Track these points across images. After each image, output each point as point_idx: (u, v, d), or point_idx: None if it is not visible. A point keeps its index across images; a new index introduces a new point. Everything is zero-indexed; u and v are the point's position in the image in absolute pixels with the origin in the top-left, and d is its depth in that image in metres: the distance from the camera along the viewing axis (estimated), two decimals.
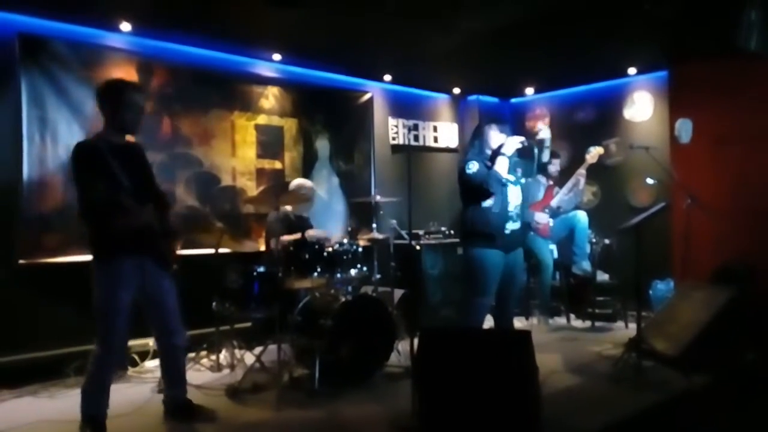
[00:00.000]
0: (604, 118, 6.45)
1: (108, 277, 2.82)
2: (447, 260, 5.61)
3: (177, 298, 3.09)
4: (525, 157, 3.73)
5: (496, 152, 3.63)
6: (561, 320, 5.71)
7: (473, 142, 3.79)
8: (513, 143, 3.61)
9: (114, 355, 2.92)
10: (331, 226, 5.73)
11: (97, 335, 2.85)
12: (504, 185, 3.58)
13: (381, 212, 5.39)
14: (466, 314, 3.72)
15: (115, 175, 2.76)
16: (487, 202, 3.57)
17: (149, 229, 2.87)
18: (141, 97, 2.98)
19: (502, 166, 3.58)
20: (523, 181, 3.76)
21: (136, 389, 3.69)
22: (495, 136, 3.69)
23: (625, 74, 6.11)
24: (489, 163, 3.63)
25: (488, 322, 3.95)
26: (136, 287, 2.89)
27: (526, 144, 3.66)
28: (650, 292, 5.53)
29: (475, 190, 3.58)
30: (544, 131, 3.53)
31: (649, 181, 5.61)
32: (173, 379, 3.16)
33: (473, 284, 3.65)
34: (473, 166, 3.57)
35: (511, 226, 3.63)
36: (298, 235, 4.32)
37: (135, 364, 4.12)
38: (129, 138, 3.04)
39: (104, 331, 2.83)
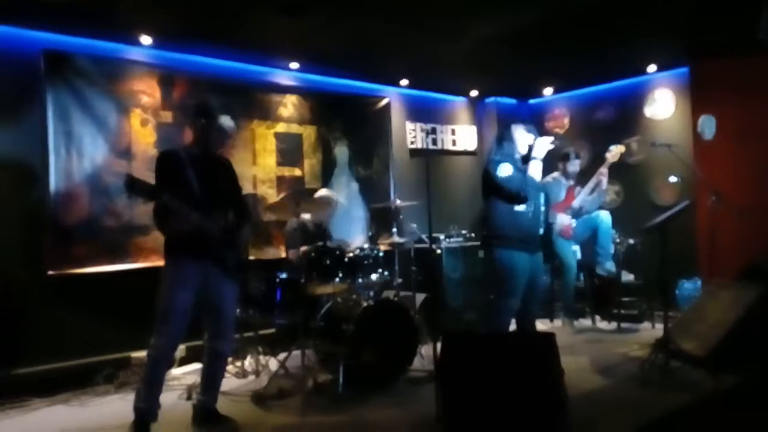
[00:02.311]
0: (625, 117, 6.37)
1: (171, 275, 2.99)
2: (468, 263, 5.59)
3: (236, 306, 3.23)
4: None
5: (528, 156, 3.61)
6: (586, 322, 5.65)
7: (500, 143, 3.74)
8: (544, 145, 3.60)
9: (168, 350, 3.04)
10: (351, 231, 5.75)
11: (156, 329, 2.97)
12: (539, 191, 3.57)
13: (401, 217, 5.39)
14: (492, 316, 3.71)
15: (186, 181, 2.97)
16: (522, 207, 3.55)
17: (210, 234, 3.02)
18: (230, 123, 3.27)
19: (536, 170, 3.58)
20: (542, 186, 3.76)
21: (163, 396, 3.73)
22: (522, 137, 3.67)
23: (645, 72, 6.04)
24: (522, 167, 3.60)
25: (511, 326, 3.93)
26: (197, 289, 3.02)
27: (557, 143, 3.65)
28: (676, 291, 5.44)
29: (508, 194, 3.55)
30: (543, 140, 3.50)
31: (673, 179, 5.53)
32: (209, 383, 3.23)
33: (501, 286, 3.63)
34: (506, 170, 3.54)
35: (540, 231, 3.63)
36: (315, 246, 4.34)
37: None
38: (218, 153, 3.26)
39: (162, 326, 2.95)
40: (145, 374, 3.04)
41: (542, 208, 3.66)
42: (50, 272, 4.18)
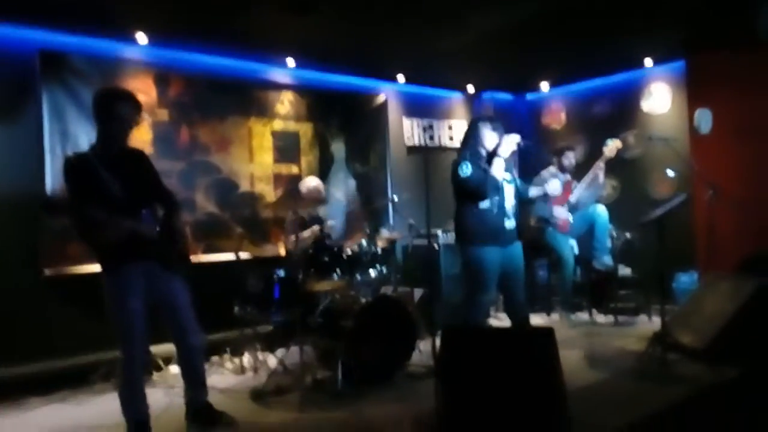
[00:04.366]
0: (622, 111, 6.37)
1: (115, 285, 2.86)
2: (462, 259, 5.58)
3: (189, 298, 3.10)
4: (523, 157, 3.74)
5: (493, 153, 3.62)
6: (583, 316, 5.66)
7: (466, 141, 3.77)
8: (509, 145, 3.60)
9: (137, 359, 2.96)
10: (347, 227, 5.76)
11: (118, 342, 2.90)
12: (499, 189, 3.58)
13: (398, 213, 5.40)
14: (468, 312, 3.75)
15: (104, 185, 2.78)
16: (484, 204, 3.58)
17: (143, 235, 2.88)
18: (130, 108, 2.91)
19: (498, 168, 3.59)
20: (516, 180, 3.75)
21: (160, 393, 3.73)
22: (488, 135, 3.68)
23: (641, 66, 6.03)
24: (485, 166, 3.62)
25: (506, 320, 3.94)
26: (145, 292, 2.91)
27: (522, 144, 3.65)
28: (674, 284, 5.46)
29: (469, 192, 3.59)
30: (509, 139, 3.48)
31: (670, 173, 5.54)
32: (191, 379, 3.18)
33: (473, 282, 3.69)
34: (467, 168, 3.57)
35: (509, 224, 3.65)
36: (315, 229, 4.36)
37: (160, 369, 4.18)
38: (127, 145, 3.01)
39: (122, 338, 2.88)
40: (124, 387, 2.94)
41: (512, 202, 3.67)
42: (46, 271, 4.18)
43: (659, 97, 6.11)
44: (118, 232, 2.79)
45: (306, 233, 4.40)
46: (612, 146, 5.22)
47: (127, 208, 2.83)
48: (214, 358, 4.40)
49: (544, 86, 6.90)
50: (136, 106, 2.94)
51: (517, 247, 3.75)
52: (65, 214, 2.73)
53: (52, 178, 4.22)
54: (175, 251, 3.05)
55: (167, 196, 3.14)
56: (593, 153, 5.96)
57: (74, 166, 2.84)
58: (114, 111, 2.86)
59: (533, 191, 3.95)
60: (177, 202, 3.20)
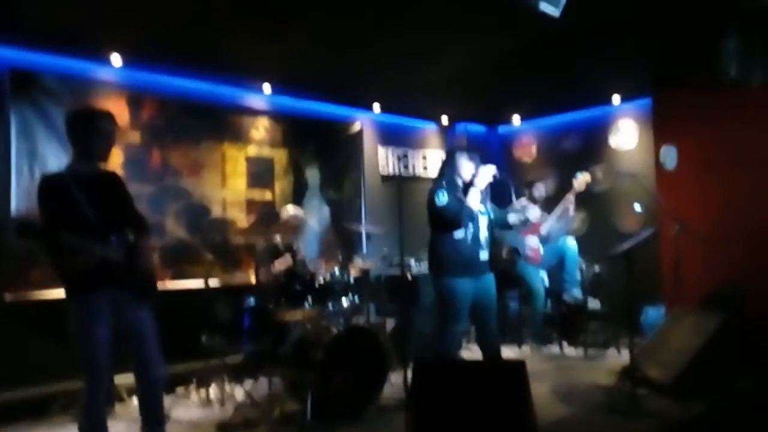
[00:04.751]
0: (590, 146, 6.53)
1: (82, 312, 2.76)
2: (434, 290, 5.57)
3: (155, 328, 2.99)
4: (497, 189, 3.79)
5: (469, 184, 3.66)
6: (554, 348, 5.69)
7: (443, 170, 3.81)
8: (485, 176, 3.65)
9: (101, 389, 2.84)
10: (316, 252, 5.72)
11: (82, 371, 2.79)
12: (474, 219, 3.61)
13: (372, 241, 5.39)
14: (439, 342, 3.74)
15: (77, 208, 2.72)
16: (459, 234, 3.60)
17: (112, 261, 2.80)
18: (111, 125, 2.89)
19: (474, 199, 3.62)
20: (489, 211, 3.79)
21: (122, 426, 3.60)
22: (465, 165, 3.72)
23: (609, 102, 6.21)
24: (461, 196, 3.65)
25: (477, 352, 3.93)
26: (112, 320, 2.81)
27: (498, 177, 3.70)
28: (642, 318, 5.53)
29: (445, 221, 3.61)
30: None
31: (637, 207, 5.66)
32: (150, 415, 3.02)
33: (445, 313, 3.68)
34: (443, 197, 3.59)
35: (483, 255, 3.67)
36: (287, 259, 4.31)
37: (122, 400, 4.03)
38: (102, 167, 2.97)
39: (86, 367, 2.77)
40: (85, 419, 2.81)
41: (486, 234, 3.70)
42: (7, 296, 4.03)
43: (626, 133, 6.28)
44: (90, 258, 2.71)
45: (279, 263, 4.34)
46: (582, 179, 5.32)
47: (98, 232, 2.76)
48: (180, 390, 4.27)
49: (516, 119, 7.04)
50: (115, 125, 2.91)
51: (490, 279, 3.77)
52: (37, 237, 2.64)
53: (17, 198, 4.12)
54: (143, 279, 2.96)
55: (138, 221, 3.06)
56: (563, 186, 6.06)
57: (48, 186, 2.76)
58: (95, 128, 2.81)
59: (512, 217, 3.97)
60: (148, 227, 3.12)
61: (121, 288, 2.84)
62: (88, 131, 2.82)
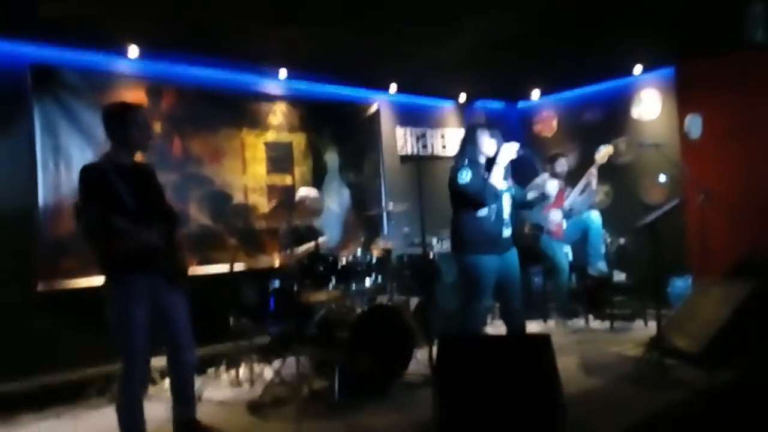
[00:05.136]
0: (612, 118, 6.42)
1: (119, 296, 2.86)
2: (457, 267, 5.58)
3: (188, 313, 3.10)
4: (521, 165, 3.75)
5: (491, 161, 3.62)
6: (579, 322, 5.67)
7: (464, 147, 3.75)
8: (508, 153, 3.60)
9: (138, 371, 2.95)
10: (340, 236, 5.76)
11: (119, 354, 2.88)
12: (498, 197, 3.58)
13: (393, 222, 5.40)
14: (465, 319, 3.74)
15: (119, 196, 2.81)
16: (482, 212, 3.57)
17: (155, 247, 2.89)
18: (146, 117, 3.03)
19: (497, 177, 3.57)
20: (512, 188, 3.76)
21: (157, 407, 3.69)
22: (486, 142, 3.67)
23: (631, 73, 6.09)
24: (484, 173, 3.61)
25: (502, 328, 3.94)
26: (147, 305, 2.91)
27: (521, 153, 3.65)
28: (668, 289, 5.47)
29: (468, 199, 3.58)
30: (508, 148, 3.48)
31: (662, 178, 5.57)
32: (181, 396, 3.14)
33: (469, 290, 3.68)
34: (466, 175, 3.55)
35: (506, 233, 3.65)
36: (310, 245, 4.35)
37: (155, 383, 4.14)
38: (138, 159, 3.09)
39: (124, 350, 2.87)
40: (122, 401, 2.91)
41: (508, 210, 3.68)
42: (40, 285, 4.15)
43: (649, 104, 6.16)
44: (135, 243, 2.81)
45: (302, 248, 4.39)
46: (604, 152, 5.25)
47: (138, 219, 2.85)
48: (210, 371, 4.37)
49: (535, 94, 6.95)
50: (149, 116, 3.08)
51: (513, 255, 3.75)
52: (95, 222, 2.73)
53: (44, 192, 4.21)
54: (177, 265, 3.07)
55: (170, 211, 3.18)
56: (585, 160, 6.00)
57: (91, 175, 2.85)
58: (133, 118, 2.92)
59: (531, 194, 3.94)
60: (179, 218, 3.25)
61: (157, 273, 2.94)
62: (127, 124, 2.92)
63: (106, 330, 2.88)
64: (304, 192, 4.79)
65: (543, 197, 4.05)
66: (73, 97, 4.37)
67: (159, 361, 3.90)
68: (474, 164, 3.64)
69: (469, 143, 3.73)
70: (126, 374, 2.89)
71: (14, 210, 4.13)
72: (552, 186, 3.98)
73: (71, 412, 3.82)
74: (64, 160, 4.31)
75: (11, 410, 3.75)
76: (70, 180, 4.31)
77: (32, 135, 4.19)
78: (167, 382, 4.06)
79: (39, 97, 4.23)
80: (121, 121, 2.92)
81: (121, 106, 3.03)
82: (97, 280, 4.27)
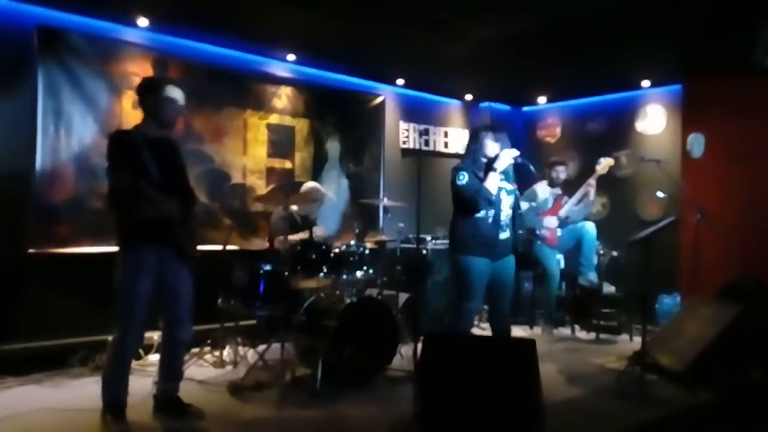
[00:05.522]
0: (616, 130, 6.42)
1: (129, 264, 2.92)
2: (450, 266, 5.59)
3: (192, 292, 3.14)
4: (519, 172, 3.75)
5: (489, 166, 3.62)
6: (565, 331, 5.69)
7: (469, 147, 3.78)
8: (506, 158, 3.59)
9: (132, 340, 3.00)
10: (337, 227, 5.75)
11: (117, 320, 2.92)
12: (492, 202, 3.58)
13: (389, 215, 5.40)
14: (454, 319, 3.76)
15: (144, 165, 2.87)
16: (480, 213, 3.58)
17: (171, 219, 2.96)
18: (179, 94, 3.08)
19: (492, 182, 3.57)
20: (516, 191, 3.76)
21: (138, 382, 3.68)
22: (490, 145, 3.67)
23: (638, 87, 6.09)
24: (481, 175, 3.61)
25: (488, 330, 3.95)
26: (155, 275, 2.96)
27: (519, 160, 3.65)
28: (656, 305, 5.50)
29: (463, 201, 3.60)
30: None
31: (660, 194, 5.58)
32: (169, 372, 3.17)
33: (460, 290, 3.69)
34: (463, 178, 3.58)
35: (503, 236, 3.65)
36: (304, 235, 4.35)
37: (138, 357, 4.14)
38: (166, 133, 3.14)
39: (123, 317, 2.91)
40: (111, 366, 2.96)
41: (507, 213, 3.68)
42: (31, 250, 4.12)
43: (654, 119, 6.16)
44: (156, 210, 2.87)
45: (296, 237, 4.38)
46: (605, 164, 5.26)
47: (161, 190, 2.91)
48: (194, 350, 4.36)
49: (541, 100, 6.94)
50: (182, 93, 3.09)
51: (509, 261, 3.74)
52: (122, 182, 2.80)
53: (42, 156, 4.18)
54: (189, 241, 3.10)
55: (189, 189, 3.22)
56: (585, 169, 6.01)
57: (120, 140, 2.92)
58: (165, 94, 2.99)
59: (523, 205, 3.95)
60: (196, 197, 3.30)
61: (170, 246, 2.99)
62: (159, 99, 2.99)
63: (94, 299, 2.90)
64: (313, 186, 4.84)
65: (533, 209, 4.03)
66: (78, 61, 4.33)
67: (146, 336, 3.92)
68: (476, 166, 3.65)
69: (473, 144, 3.75)
70: (120, 341, 2.94)
71: (11, 172, 4.10)
72: (542, 190, 3.98)
73: (52, 380, 3.82)
74: (64, 125, 4.27)
75: None
76: (69, 146, 4.29)
77: (34, 97, 4.14)
78: (150, 357, 4.09)
79: (44, 59, 4.18)
80: (154, 95, 2.99)
81: (157, 80, 3.12)
82: (90, 249, 4.31)
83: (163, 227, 2.93)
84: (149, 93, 3.01)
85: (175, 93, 3.05)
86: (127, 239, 2.94)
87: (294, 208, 4.67)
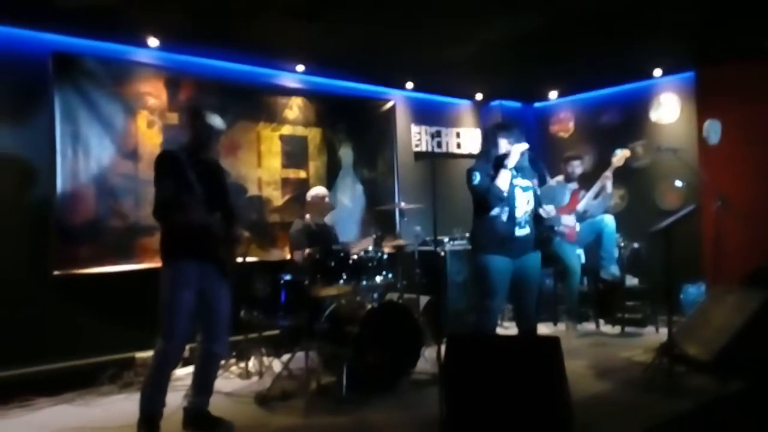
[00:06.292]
0: (630, 121, 6.36)
1: (172, 277, 3.01)
2: (471, 266, 5.58)
3: (230, 308, 3.24)
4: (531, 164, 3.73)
5: (499, 164, 3.60)
6: (590, 326, 5.64)
7: (483, 148, 3.80)
8: (515, 155, 3.56)
9: (174, 352, 3.06)
10: (355, 233, 5.77)
11: (161, 332, 3.00)
12: (502, 200, 3.56)
13: (405, 219, 5.40)
14: (477, 319, 3.76)
15: (189, 182, 2.98)
16: (494, 211, 3.58)
17: (213, 235, 3.07)
18: (219, 121, 3.22)
19: (503, 180, 3.54)
20: (536, 186, 3.74)
21: (171, 395, 3.74)
22: (504, 145, 3.65)
23: (650, 76, 6.03)
24: (492, 173, 3.60)
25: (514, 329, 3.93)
26: (196, 289, 3.04)
27: (527, 154, 3.63)
28: (681, 296, 5.43)
29: (477, 200, 3.63)
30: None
31: (678, 183, 5.52)
32: (202, 386, 3.22)
33: (481, 289, 3.68)
34: (476, 178, 3.58)
35: (520, 232, 3.61)
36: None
37: None
38: (210, 155, 3.29)
39: (167, 329, 2.99)
40: (151, 377, 3.05)
41: (524, 210, 3.65)
42: (55, 272, 4.20)
43: (668, 108, 6.09)
44: (200, 222, 3.00)
45: (312, 250, 4.39)
46: (620, 156, 5.21)
47: (206, 207, 3.03)
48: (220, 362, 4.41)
49: (553, 95, 6.91)
50: (221, 123, 3.25)
51: (532, 258, 3.70)
52: (168, 190, 2.92)
53: (63, 180, 4.26)
54: (231, 259, 3.23)
55: (231, 209, 3.33)
56: (601, 162, 5.96)
57: (168, 158, 3.07)
58: (205, 121, 3.15)
59: (548, 208, 3.95)
60: (237, 217, 3.41)
61: (211, 262, 3.09)
62: (202, 125, 3.15)
63: (120, 318, 2.95)
64: (313, 191, 4.82)
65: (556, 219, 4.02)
66: (93, 85, 4.41)
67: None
68: (488, 166, 3.64)
69: (487, 143, 3.76)
70: (162, 353, 3.01)
71: (33, 196, 4.19)
72: (548, 209, 3.99)
73: (83, 398, 3.87)
74: (82, 148, 4.35)
75: (24, 394, 3.80)
76: (88, 168, 4.37)
77: (52, 122, 4.23)
78: (179, 371, 4.13)
79: (60, 84, 4.27)
80: (196, 121, 3.16)
81: (199, 108, 3.28)
82: (112, 269, 4.38)
83: (205, 243, 3.04)
84: (192, 119, 3.19)
85: (215, 121, 3.21)
86: (170, 253, 3.06)
87: (308, 217, 4.70)
